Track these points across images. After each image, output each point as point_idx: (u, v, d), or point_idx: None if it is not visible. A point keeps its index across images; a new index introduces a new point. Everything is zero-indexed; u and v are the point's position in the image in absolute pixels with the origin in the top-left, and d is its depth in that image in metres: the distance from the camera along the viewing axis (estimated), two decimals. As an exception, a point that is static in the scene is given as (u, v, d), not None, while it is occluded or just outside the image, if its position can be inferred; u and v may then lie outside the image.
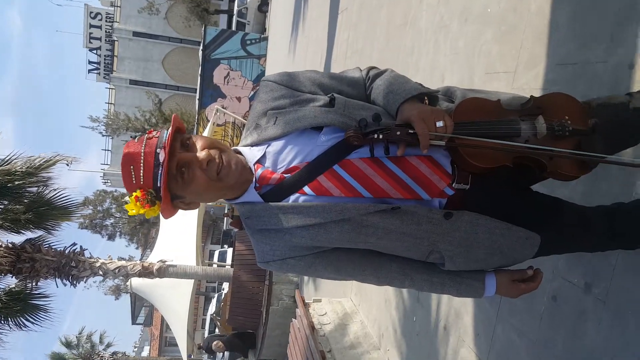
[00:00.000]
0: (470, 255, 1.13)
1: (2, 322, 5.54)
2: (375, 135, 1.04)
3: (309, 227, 1.06)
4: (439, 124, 1.03)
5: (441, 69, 3.43)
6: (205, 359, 15.06)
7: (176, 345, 12.14)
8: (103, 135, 29.55)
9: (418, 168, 1.08)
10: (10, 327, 5.61)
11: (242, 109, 17.58)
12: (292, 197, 1.08)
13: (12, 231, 5.72)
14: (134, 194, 1.04)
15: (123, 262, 7.12)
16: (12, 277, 5.83)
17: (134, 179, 1.03)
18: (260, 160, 1.11)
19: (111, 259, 7.00)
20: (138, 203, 1.03)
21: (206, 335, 18.25)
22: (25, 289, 5.78)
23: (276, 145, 1.10)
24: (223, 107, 15.57)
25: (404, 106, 1.08)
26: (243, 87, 18.03)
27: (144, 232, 31.08)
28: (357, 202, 1.06)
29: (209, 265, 13.44)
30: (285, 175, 1.09)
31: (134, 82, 30.37)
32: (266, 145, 1.11)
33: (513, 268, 1.19)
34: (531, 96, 1.22)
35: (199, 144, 1.07)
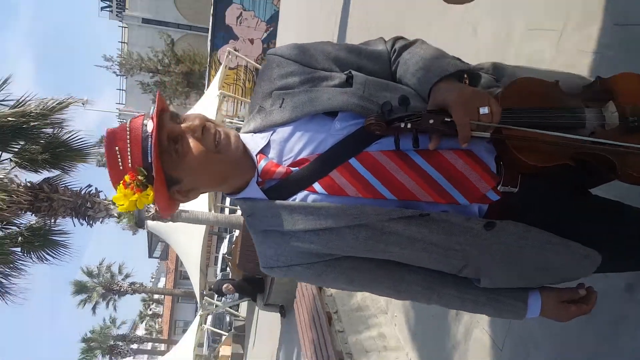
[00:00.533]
0: (512, 273, 0.95)
1: (25, 255, 5.88)
2: (402, 124, 0.84)
3: (318, 231, 0.90)
4: (483, 110, 0.83)
5: (473, 21, 3.07)
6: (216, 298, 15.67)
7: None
8: (117, 75, 29.24)
9: (454, 165, 0.88)
10: (33, 260, 5.96)
11: (255, 52, 17.01)
12: (300, 195, 0.91)
13: (29, 169, 5.91)
14: (122, 179, 0.89)
15: (137, 205, 7.27)
16: (31, 214, 6.07)
17: (120, 161, 0.88)
18: (264, 150, 0.93)
19: (126, 202, 7.18)
20: (127, 189, 0.88)
21: (219, 272, 18.93)
22: (44, 226, 6.06)
23: (282, 132, 0.92)
24: (235, 50, 15.08)
25: (438, 87, 0.88)
26: (256, 28, 17.29)
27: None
28: (377, 205, 0.88)
29: (221, 209, 13.63)
30: (292, 168, 0.91)
31: (146, 21, 29.59)
32: (271, 132, 0.93)
33: (561, 286, 1.00)
34: (597, 77, 0.98)
35: (190, 117, 0.92)
